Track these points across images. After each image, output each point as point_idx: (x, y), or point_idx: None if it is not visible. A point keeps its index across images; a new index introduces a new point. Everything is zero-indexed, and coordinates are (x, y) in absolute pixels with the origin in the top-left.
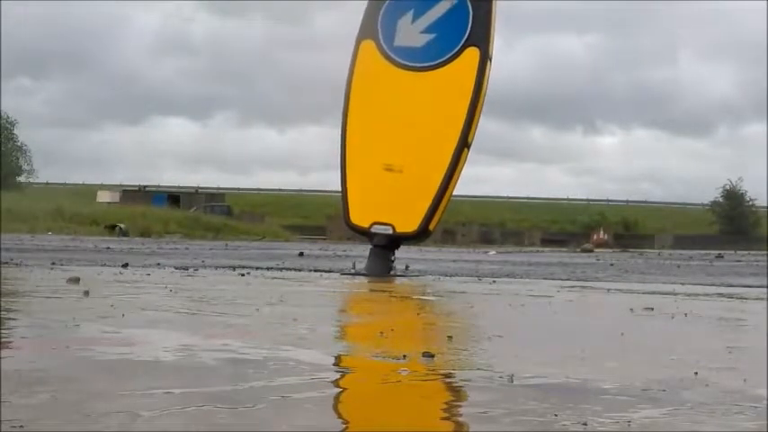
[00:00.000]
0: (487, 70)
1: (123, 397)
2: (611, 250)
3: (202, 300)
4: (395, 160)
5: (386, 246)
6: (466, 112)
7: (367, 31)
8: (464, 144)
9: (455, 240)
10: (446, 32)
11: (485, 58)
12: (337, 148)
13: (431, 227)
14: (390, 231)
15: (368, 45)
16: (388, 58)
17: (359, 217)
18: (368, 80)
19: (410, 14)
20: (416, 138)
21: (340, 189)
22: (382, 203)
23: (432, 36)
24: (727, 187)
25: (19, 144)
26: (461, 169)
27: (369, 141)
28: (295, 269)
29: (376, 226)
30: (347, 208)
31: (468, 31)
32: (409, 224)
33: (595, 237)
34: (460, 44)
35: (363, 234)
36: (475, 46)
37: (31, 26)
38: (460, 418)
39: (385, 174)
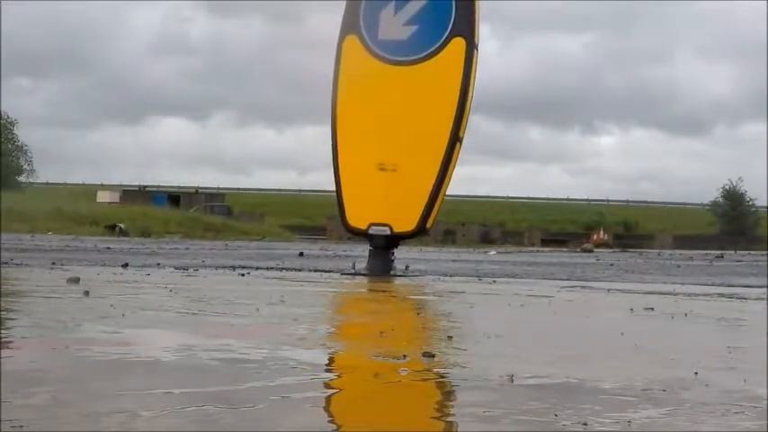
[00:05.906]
0: (474, 60)
1: (123, 397)
2: (610, 250)
3: (202, 300)
4: (387, 159)
5: (385, 246)
6: (456, 105)
7: (350, 26)
8: (456, 138)
9: (455, 240)
10: (430, 23)
11: (471, 48)
12: None
13: (428, 225)
14: (388, 232)
15: (351, 40)
16: (372, 53)
17: (356, 219)
18: (355, 78)
19: (391, 6)
20: (407, 134)
21: (335, 191)
22: (378, 204)
23: (415, 28)
24: (727, 187)
25: (19, 144)
26: (455, 164)
27: (360, 141)
28: (295, 269)
29: (373, 227)
30: (343, 210)
31: (452, 21)
32: (406, 223)
33: (595, 237)
34: (445, 35)
35: (362, 236)
36: (460, 36)
37: (30, 26)
38: (461, 419)
39: (379, 173)
